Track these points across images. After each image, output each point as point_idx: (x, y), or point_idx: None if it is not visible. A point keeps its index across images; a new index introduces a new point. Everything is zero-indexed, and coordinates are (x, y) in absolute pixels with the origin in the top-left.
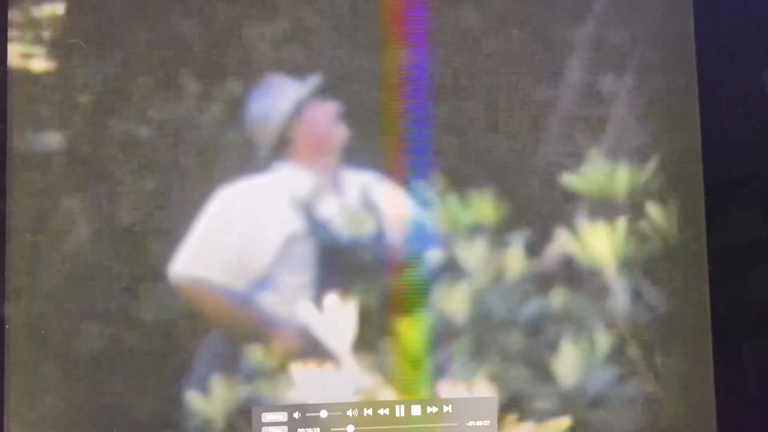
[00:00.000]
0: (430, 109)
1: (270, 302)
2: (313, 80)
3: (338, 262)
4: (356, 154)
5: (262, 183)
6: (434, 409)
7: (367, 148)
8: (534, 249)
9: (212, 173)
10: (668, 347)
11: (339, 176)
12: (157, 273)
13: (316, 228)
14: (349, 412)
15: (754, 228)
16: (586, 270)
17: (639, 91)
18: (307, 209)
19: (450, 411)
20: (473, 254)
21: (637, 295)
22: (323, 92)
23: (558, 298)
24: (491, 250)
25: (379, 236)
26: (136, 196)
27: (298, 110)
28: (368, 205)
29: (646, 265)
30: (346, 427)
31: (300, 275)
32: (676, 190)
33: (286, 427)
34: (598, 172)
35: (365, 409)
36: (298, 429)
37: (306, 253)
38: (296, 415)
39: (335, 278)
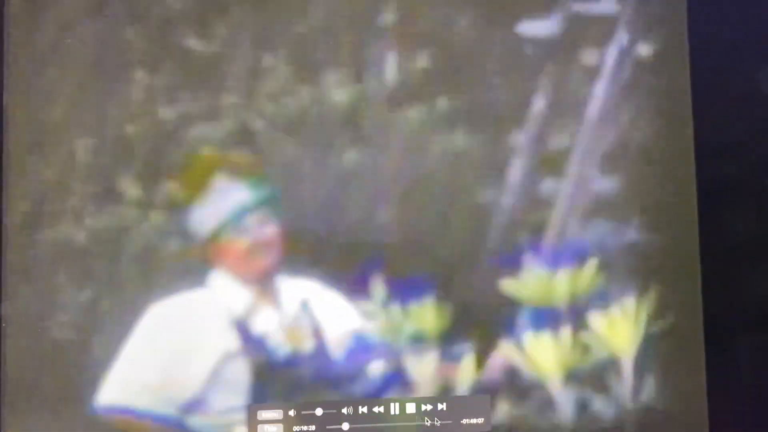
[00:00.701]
0: (373, 213)
1: (202, 426)
2: (256, 185)
3: (276, 380)
4: (296, 265)
5: (196, 297)
6: (428, 407)
7: (308, 257)
8: (478, 360)
9: (149, 285)
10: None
11: (277, 288)
12: (84, 399)
13: (252, 344)
14: (345, 410)
15: (747, 228)
16: (530, 382)
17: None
18: (242, 325)
19: (444, 409)
20: (418, 366)
21: (582, 407)
22: (267, 199)
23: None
24: (436, 362)
25: (320, 351)
26: (70, 308)
27: (240, 218)
28: (307, 318)
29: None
30: (341, 424)
31: (235, 396)
32: (669, 191)
33: (281, 425)
34: (539, 279)
35: (360, 407)
36: (294, 426)
37: (241, 372)
38: (292, 412)
39: (273, 398)
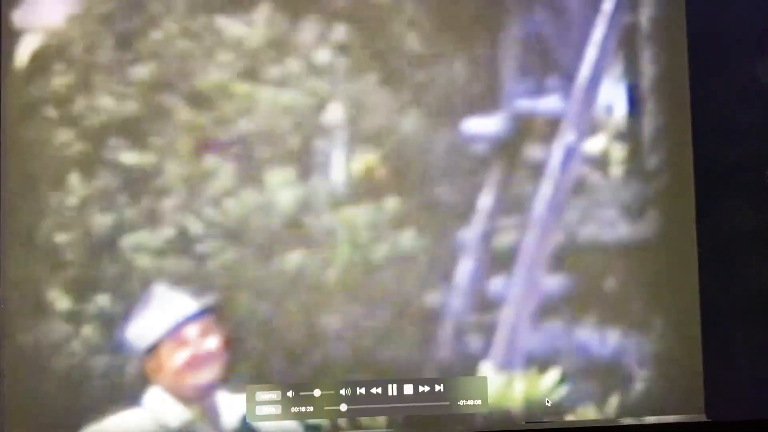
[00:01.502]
0: (318, 319)
1: None
2: (196, 294)
3: None
4: (237, 377)
5: (131, 418)
6: (426, 388)
7: (249, 370)
8: None
9: (79, 406)
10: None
11: (218, 405)
12: None
13: None
14: (342, 391)
15: (745, 218)
16: None
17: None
18: None
19: (441, 390)
20: None
21: None
22: (206, 310)
23: None
24: None
25: None
26: None
27: (177, 330)
28: None
29: None
30: (339, 405)
31: None
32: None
33: (279, 405)
34: (491, 385)
35: (358, 388)
36: (292, 407)
37: None
38: (290, 393)
39: None
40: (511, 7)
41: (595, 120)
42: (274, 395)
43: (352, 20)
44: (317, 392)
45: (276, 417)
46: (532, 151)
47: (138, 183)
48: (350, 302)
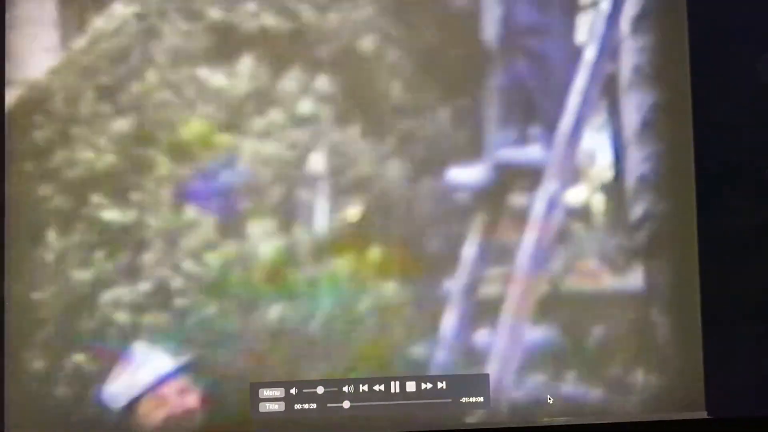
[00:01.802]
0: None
1: None
2: (175, 351)
3: None
4: None
5: None
6: (428, 385)
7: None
8: None
9: None
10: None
11: None
12: None
13: None
14: (345, 388)
15: (746, 215)
16: None
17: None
18: None
19: (444, 387)
20: None
21: None
22: (185, 367)
23: None
24: None
25: None
26: None
27: (155, 388)
28: None
29: None
30: (342, 402)
31: None
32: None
33: (283, 403)
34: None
35: (361, 385)
36: (295, 404)
37: None
38: (293, 391)
39: None
40: (493, 56)
41: (578, 169)
42: (278, 392)
43: (335, 70)
44: (320, 389)
45: (279, 414)
46: (516, 200)
47: (117, 237)
48: (333, 355)
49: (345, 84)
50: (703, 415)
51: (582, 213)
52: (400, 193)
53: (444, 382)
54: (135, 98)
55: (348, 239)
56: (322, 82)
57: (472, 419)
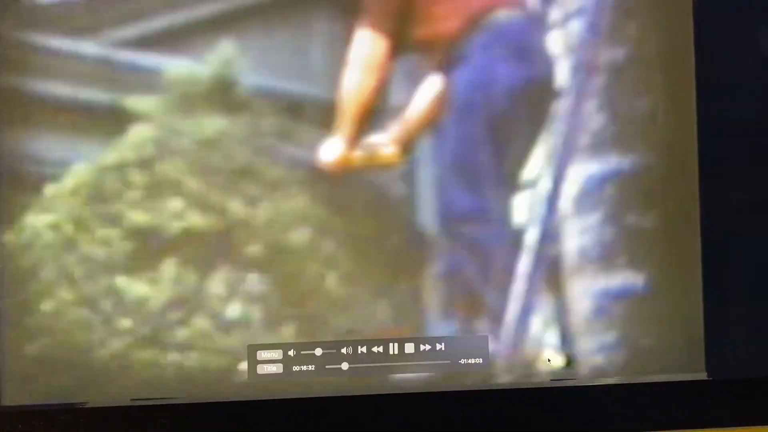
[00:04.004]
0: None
1: None
2: None
3: None
4: None
5: None
6: (427, 347)
7: None
8: None
9: None
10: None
11: None
12: None
13: None
14: (344, 350)
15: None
16: None
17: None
18: None
19: (443, 348)
20: None
21: None
22: None
23: None
24: None
25: None
26: None
27: None
28: None
29: None
30: (340, 364)
31: None
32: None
33: (281, 364)
34: None
35: (359, 347)
36: (293, 366)
37: None
38: (291, 352)
39: None
40: (431, 245)
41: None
42: (276, 354)
43: (266, 268)
44: (318, 351)
45: (277, 376)
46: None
47: None
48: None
49: (276, 281)
50: (703, 376)
51: None
52: None
53: (443, 344)
54: (45, 320)
55: None
56: (252, 281)
57: (470, 381)
